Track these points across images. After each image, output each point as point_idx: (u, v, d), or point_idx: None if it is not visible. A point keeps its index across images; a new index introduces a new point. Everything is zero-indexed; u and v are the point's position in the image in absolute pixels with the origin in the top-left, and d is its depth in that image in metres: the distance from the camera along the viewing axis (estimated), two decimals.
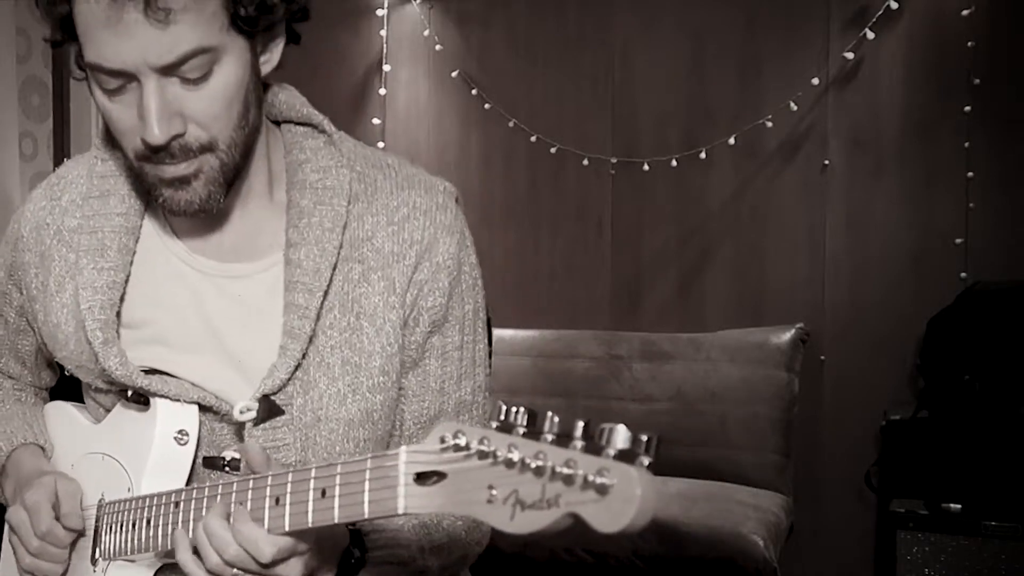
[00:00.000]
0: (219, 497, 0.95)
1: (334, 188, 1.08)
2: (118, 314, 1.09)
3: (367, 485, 0.80)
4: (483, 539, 1.17)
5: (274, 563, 0.91)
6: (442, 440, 0.74)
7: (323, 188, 1.08)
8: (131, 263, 1.10)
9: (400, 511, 0.76)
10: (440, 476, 0.74)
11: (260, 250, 1.11)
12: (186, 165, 0.99)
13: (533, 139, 3.48)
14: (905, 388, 3.05)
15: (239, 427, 1.08)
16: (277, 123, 1.15)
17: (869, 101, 3.14)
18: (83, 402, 1.25)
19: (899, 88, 3.11)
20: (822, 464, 3.18)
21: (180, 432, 1.07)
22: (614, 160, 3.42)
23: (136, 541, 1.05)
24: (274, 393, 1.05)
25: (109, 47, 0.93)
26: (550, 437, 0.68)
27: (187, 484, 1.08)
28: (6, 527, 1.15)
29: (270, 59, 1.05)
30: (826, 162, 3.18)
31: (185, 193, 1.01)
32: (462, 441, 0.72)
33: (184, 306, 1.10)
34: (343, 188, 1.08)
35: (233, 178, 1.04)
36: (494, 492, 0.69)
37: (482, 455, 0.71)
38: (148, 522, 1.02)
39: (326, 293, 1.06)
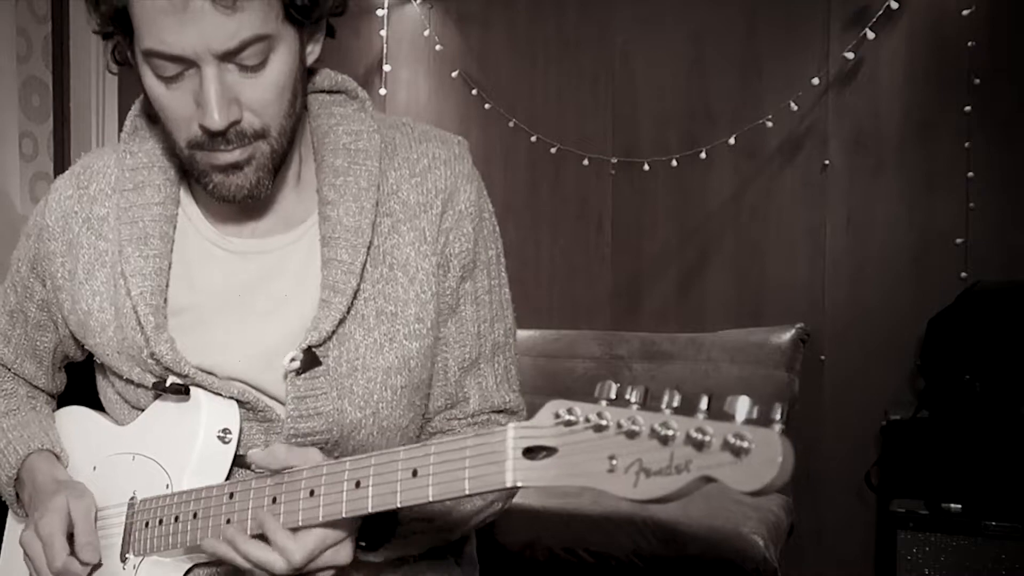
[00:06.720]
0: (284, 484, 0.94)
1: (367, 150, 1.12)
2: (165, 300, 1.11)
3: (468, 462, 0.79)
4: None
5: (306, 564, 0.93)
6: (556, 416, 0.74)
7: (356, 150, 1.12)
8: (171, 250, 1.12)
9: (508, 484, 0.76)
10: (550, 451, 0.74)
11: (292, 222, 1.13)
12: (240, 151, 1.01)
13: (533, 139, 3.48)
14: (905, 388, 3.05)
15: (268, 426, 1.10)
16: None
17: (869, 101, 3.14)
18: (90, 407, 1.25)
19: (899, 88, 3.11)
20: (822, 464, 3.17)
21: (223, 431, 1.08)
22: (614, 160, 3.41)
23: (178, 535, 1.04)
24: (318, 345, 1.07)
25: (172, 33, 0.95)
26: (669, 411, 0.69)
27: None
28: (21, 551, 1.12)
29: (314, 51, 1.09)
30: (826, 162, 3.18)
31: (236, 178, 1.03)
32: (577, 415, 0.72)
33: (221, 289, 1.12)
34: (375, 150, 1.12)
35: (280, 164, 1.07)
36: (615, 462, 0.70)
37: (598, 428, 0.71)
38: (195, 515, 1.02)
39: (368, 248, 1.08)
